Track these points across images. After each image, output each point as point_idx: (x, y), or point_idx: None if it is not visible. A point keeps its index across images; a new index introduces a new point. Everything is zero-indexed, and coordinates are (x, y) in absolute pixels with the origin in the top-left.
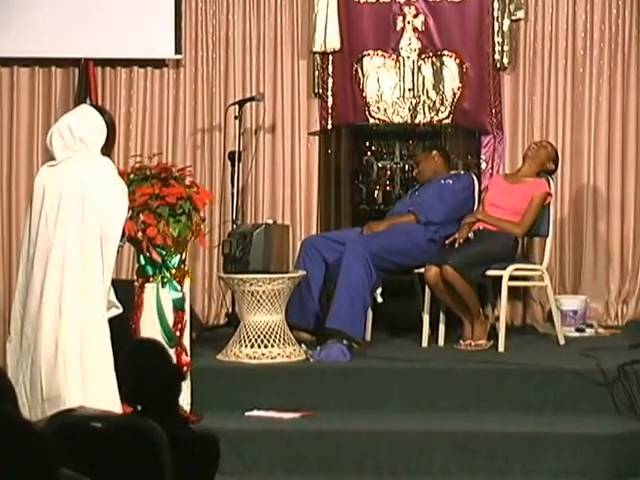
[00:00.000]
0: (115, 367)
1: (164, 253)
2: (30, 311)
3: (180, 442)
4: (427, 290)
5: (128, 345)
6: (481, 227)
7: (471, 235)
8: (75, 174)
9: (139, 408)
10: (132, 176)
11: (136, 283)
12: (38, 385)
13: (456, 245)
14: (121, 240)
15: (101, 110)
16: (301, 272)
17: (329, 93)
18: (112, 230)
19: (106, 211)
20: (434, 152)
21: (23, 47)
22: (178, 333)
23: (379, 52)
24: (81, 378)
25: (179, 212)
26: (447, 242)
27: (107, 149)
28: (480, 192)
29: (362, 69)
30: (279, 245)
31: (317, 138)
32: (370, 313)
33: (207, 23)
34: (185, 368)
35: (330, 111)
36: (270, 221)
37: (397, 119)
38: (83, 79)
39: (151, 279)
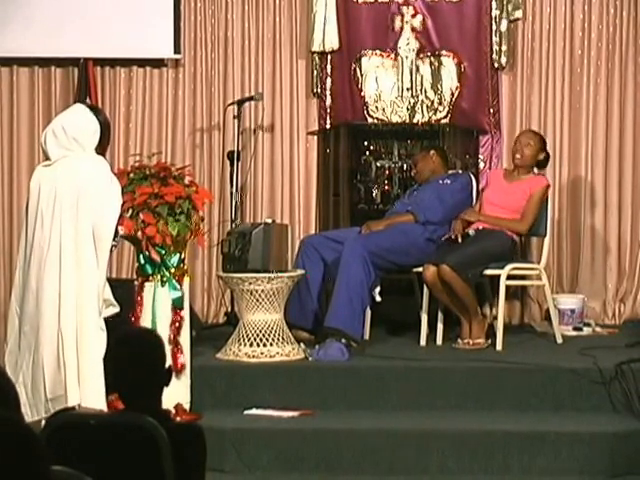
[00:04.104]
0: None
1: (163, 252)
2: (28, 310)
3: (166, 434)
4: (425, 289)
5: (119, 332)
6: (480, 226)
7: (472, 232)
8: (69, 174)
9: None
10: (131, 175)
11: (136, 282)
12: (41, 385)
13: (453, 237)
14: (115, 239)
15: (96, 110)
16: (300, 271)
17: (328, 93)
18: (104, 229)
19: (99, 210)
20: (432, 152)
21: (23, 46)
22: (176, 332)
23: (377, 52)
24: (78, 378)
25: (178, 211)
26: (443, 238)
27: (101, 149)
28: (478, 191)
29: (360, 69)
30: (278, 244)
31: (316, 138)
32: (368, 312)
33: (206, 23)
34: (180, 367)
35: (329, 111)
36: (269, 220)
37: (395, 119)
38: (83, 78)
39: (150, 278)
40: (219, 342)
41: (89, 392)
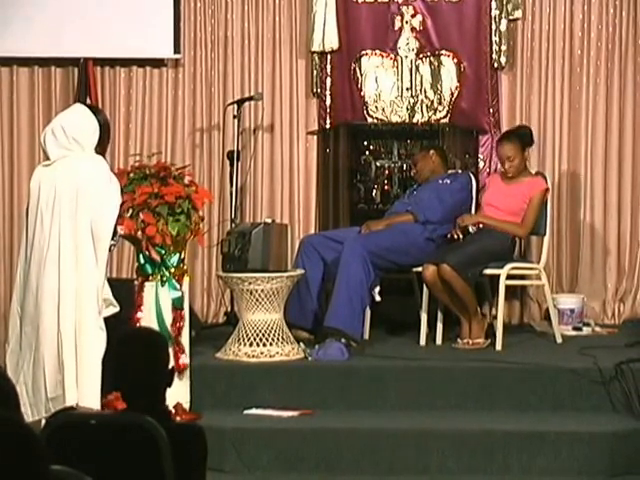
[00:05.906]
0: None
1: (163, 252)
2: (28, 310)
3: (167, 434)
4: (425, 289)
5: (122, 332)
6: (481, 225)
7: (472, 229)
8: (69, 173)
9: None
10: (131, 175)
11: (136, 282)
12: (42, 384)
13: (455, 237)
14: (114, 239)
15: (95, 110)
16: (300, 271)
17: (327, 92)
18: (103, 228)
19: (98, 209)
20: (432, 151)
21: (23, 46)
22: (176, 332)
23: (377, 52)
24: (76, 377)
25: (178, 211)
26: (448, 236)
27: (101, 149)
28: (478, 191)
29: (360, 69)
30: (278, 244)
31: (315, 137)
32: (368, 312)
33: (206, 23)
34: (182, 367)
35: (328, 110)
36: (269, 220)
37: (395, 118)
38: (82, 78)
39: (150, 278)
40: (219, 342)
41: (87, 392)
